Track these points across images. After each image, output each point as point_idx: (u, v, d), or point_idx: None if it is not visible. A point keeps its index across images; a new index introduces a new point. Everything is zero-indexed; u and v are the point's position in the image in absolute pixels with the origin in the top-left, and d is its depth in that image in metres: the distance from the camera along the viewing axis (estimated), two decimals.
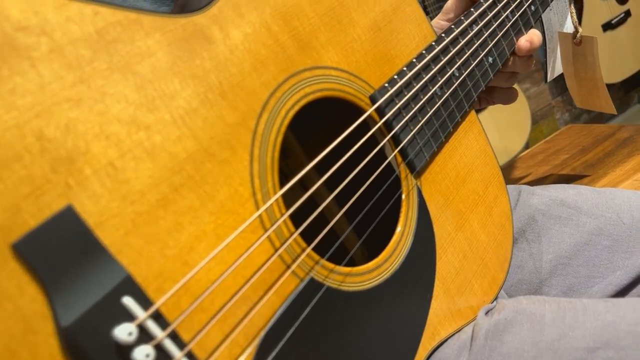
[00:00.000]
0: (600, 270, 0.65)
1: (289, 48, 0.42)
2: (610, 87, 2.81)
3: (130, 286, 0.30)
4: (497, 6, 0.62)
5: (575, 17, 0.94)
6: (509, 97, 0.69)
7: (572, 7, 0.95)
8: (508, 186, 0.79)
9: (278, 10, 0.42)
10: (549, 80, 1.02)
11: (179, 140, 0.34)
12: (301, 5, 0.43)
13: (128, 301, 0.29)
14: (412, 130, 0.49)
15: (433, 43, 0.53)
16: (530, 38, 0.64)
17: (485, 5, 0.61)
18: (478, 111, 2.56)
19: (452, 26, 0.56)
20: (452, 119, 0.53)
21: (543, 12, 0.71)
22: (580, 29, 0.94)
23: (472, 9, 0.59)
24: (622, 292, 0.64)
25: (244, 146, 0.37)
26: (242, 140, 0.37)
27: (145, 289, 0.30)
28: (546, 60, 0.99)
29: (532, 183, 1.14)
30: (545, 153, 1.26)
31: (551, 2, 0.73)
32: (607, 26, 2.49)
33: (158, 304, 0.30)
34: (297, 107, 0.41)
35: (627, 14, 2.54)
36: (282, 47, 0.41)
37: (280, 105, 0.40)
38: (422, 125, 0.50)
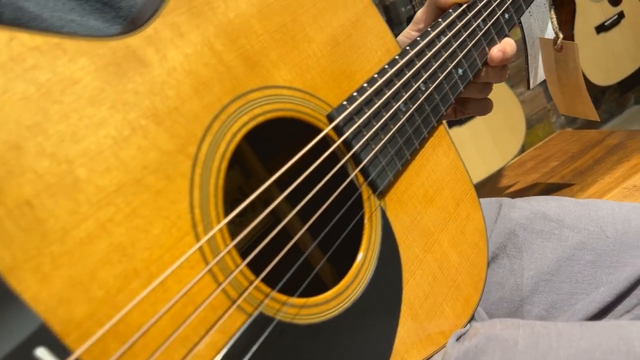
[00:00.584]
0: (583, 286, 0.63)
1: (235, 68, 0.40)
2: (606, 89, 2.80)
3: (46, 335, 0.27)
4: (467, 15, 0.60)
5: (555, 22, 0.93)
6: (483, 108, 0.67)
7: (553, 12, 0.93)
8: (489, 199, 0.77)
9: (223, 28, 0.40)
10: (531, 87, 1.00)
11: (107, 171, 0.32)
12: (249, 22, 0.41)
13: (42, 353, 0.27)
14: (373, 149, 0.47)
15: (397, 57, 0.51)
16: (503, 48, 0.61)
17: (454, 14, 0.59)
18: (464, 121, 2.55)
19: (418, 38, 0.54)
20: (418, 135, 0.51)
21: (518, 19, 0.69)
22: (560, 35, 0.92)
23: (439, 20, 0.57)
24: (606, 310, 0.61)
25: (183, 175, 0.35)
26: (181, 168, 0.35)
27: (64, 337, 0.28)
28: (528, 67, 0.97)
29: (519, 192, 1.11)
30: (535, 160, 1.24)
31: (526, 9, 0.71)
32: (601, 28, 2.47)
33: (77, 353, 0.28)
34: (245, 130, 0.39)
35: (621, 15, 2.53)
36: (228, 67, 0.39)
37: (226, 128, 0.38)
38: (384, 143, 0.48)
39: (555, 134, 1.32)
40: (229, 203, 0.53)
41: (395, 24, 2.34)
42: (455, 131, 2.23)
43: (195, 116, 0.36)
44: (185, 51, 0.37)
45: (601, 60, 2.47)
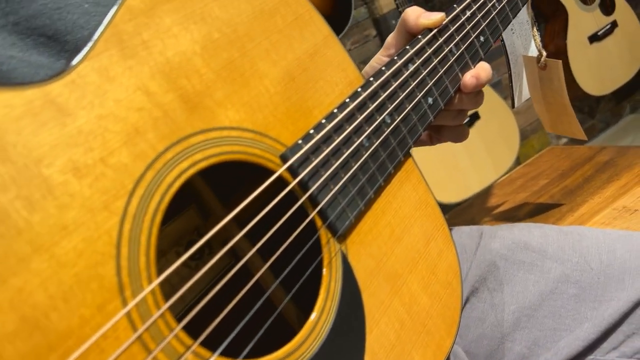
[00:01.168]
0: (567, 322, 0.59)
1: (173, 111, 0.37)
2: (601, 98, 2.77)
3: None
4: (437, 40, 0.58)
5: (538, 40, 0.90)
6: (459, 135, 0.64)
7: (535, 30, 0.90)
8: (469, 227, 0.74)
9: (160, 69, 0.37)
10: (516, 105, 0.97)
11: (18, 235, 0.29)
12: (191, 61, 0.39)
13: None
14: (332, 190, 0.44)
15: (359, 89, 0.48)
16: (476, 73, 0.59)
17: (424, 40, 0.56)
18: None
19: (383, 68, 0.52)
20: (383, 171, 0.48)
21: (494, 41, 0.66)
22: (544, 53, 0.89)
23: (407, 47, 0.55)
24: (591, 347, 0.58)
25: (108, 233, 0.32)
26: (106, 226, 0.32)
27: None
28: (512, 85, 0.94)
29: (508, 212, 1.08)
30: (525, 178, 1.21)
31: (504, 29, 0.68)
32: (594, 38, 2.45)
33: None
34: (184, 178, 0.36)
35: (614, 24, 2.51)
36: (164, 110, 0.36)
37: (161, 178, 0.35)
38: (345, 182, 0.45)
39: (546, 150, 1.29)
40: (184, 246, 0.50)
41: (386, 37, 2.32)
42: (449, 144, 2.20)
43: (124, 167, 0.33)
44: (115, 96, 0.34)
45: (595, 70, 2.45)
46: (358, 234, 0.46)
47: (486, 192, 1.23)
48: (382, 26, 2.30)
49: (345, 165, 0.45)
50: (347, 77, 0.49)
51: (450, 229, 0.75)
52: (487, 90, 2.28)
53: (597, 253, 0.62)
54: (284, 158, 0.42)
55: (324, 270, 0.42)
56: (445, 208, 2.48)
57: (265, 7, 0.44)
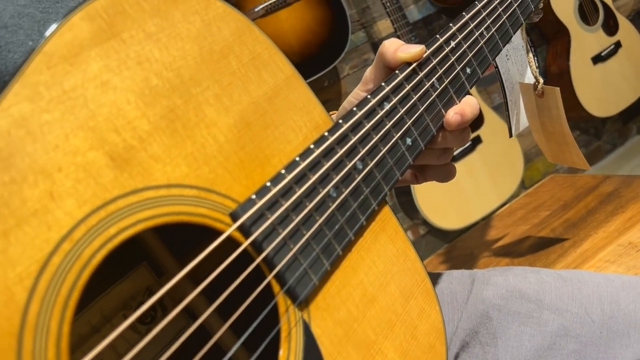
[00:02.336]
0: None
1: (98, 170, 0.32)
2: (607, 119, 2.71)
3: None
4: (417, 75, 0.53)
5: (534, 66, 0.85)
6: (445, 175, 0.59)
7: (531, 56, 0.86)
8: (461, 272, 0.68)
9: (83, 123, 0.32)
10: (513, 135, 0.92)
11: None
12: (122, 112, 0.34)
13: None
14: (291, 250, 0.39)
15: (326, 133, 0.44)
16: (461, 110, 0.54)
17: (402, 76, 0.52)
18: (458, 157, 2.48)
19: (354, 108, 0.47)
20: (353, 224, 0.43)
21: (483, 73, 0.62)
22: (541, 80, 0.84)
23: (382, 84, 0.50)
24: None
25: (9, 320, 0.27)
26: (6, 312, 0.27)
27: None
28: (508, 114, 0.90)
29: (508, 246, 1.03)
30: (525, 209, 1.15)
31: (493, 59, 0.63)
32: (598, 59, 2.40)
33: None
34: (109, 247, 0.31)
35: (618, 45, 2.46)
36: (87, 170, 0.32)
37: (79, 249, 0.30)
38: (307, 240, 0.40)
39: (547, 179, 1.23)
40: (133, 308, 0.45)
41: None
42: None
43: (30, 242, 0.29)
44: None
45: (599, 91, 2.40)
46: (324, 298, 0.41)
47: (486, 224, 1.17)
48: None
49: (307, 221, 0.40)
50: (313, 121, 0.45)
51: (440, 274, 0.69)
52: (489, 113, 2.23)
53: (599, 303, 0.57)
54: (234, 217, 0.37)
55: (281, 351, 0.37)
56: (446, 234, 2.42)
57: (216, 47, 0.40)
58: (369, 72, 0.57)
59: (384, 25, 2.23)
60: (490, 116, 2.21)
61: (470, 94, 0.58)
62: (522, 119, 0.92)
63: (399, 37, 2.00)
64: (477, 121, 2.21)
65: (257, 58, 0.42)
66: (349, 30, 2.01)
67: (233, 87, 0.40)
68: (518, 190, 2.58)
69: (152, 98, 0.35)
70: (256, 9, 1.87)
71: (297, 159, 0.41)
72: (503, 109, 0.92)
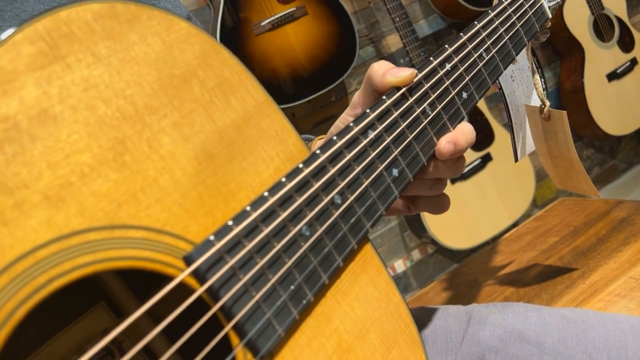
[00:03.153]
0: None
1: (30, 211, 0.29)
2: (622, 137, 2.65)
3: None
4: (407, 100, 0.49)
5: (541, 89, 0.81)
6: (438, 207, 0.55)
7: (537, 78, 0.81)
8: (456, 308, 0.64)
9: (16, 160, 0.29)
10: (519, 159, 0.87)
11: None
12: (61, 144, 0.31)
13: None
14: (253, 297, 0.35)
15: (300, 165, 0.40)
16: (454, 138, 0.50)
17: (389, 101, 0.48)
18: (467, 175, 2.41)
19: (334, 137, 0.43)
20: (328, 265, 0.39)
21: (480, 97, 0.58)
22: (547, 103, 0.80)
23: (367, 110, 0.46)
24: None
25: None
26: None
27: None
28: (513, 137, 0.85)
29: (513, 274, 0.98)
30: (533, 234, 1.10)
31: (492, 83, 0.59)
32: (613, 76, 2.35)
33: None
34: (33, 302, 0.28)
35: (634, 62, 2.41)
36: (19, 210, 0.28)
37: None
38: (273, 285, 0.36)
39: (557, 202, 1.18)
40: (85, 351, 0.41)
41: None
42: (459, 186, 2.11)
43: None
44: None
45: (614, 109, 2.34)
46: (291, 351, 0.37)
47: (492, 249, 1.13)
48: None
49: (274, 264, 0.36)
50: (287, 151, 0.41)
51: (435, 309, 0.65)
52: (500, 130, 2.18)
53: (605, 348, 0.52)
54: (187, 260, 0.33)
55: None
56: (455, 254, 2.36)
57: (177, 71, 0.36)
58: (357, 96, 0.53)
59: (393, 40, 2.20)
60: (501, 133, 2.16)
61: (467, 121, 0.54)
62: (528, 143, 0.88)
63: (407, 52, 1.97)
64: (488, 138, 2.17)
65: (224, 83, 0.39)
66: (357, 45, 1.98)
67: (195, 115, 0.36)
68: (530, 209, 2.52)
69: (99, 128, 0.32)
70: (262, 23, 1.85)
71: (266, 194, 0.37)
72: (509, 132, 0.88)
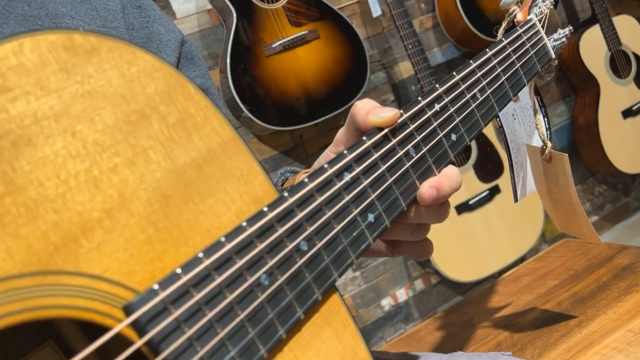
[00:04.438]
0: None
1: None
2: (636, 176, 2.59)
3: None
4: (389, 142, 0.47)
5: (543, 129, 0.79)
6: (420, 252, 0.52)
7: (539, 117, 0.79)
8: (440, 356, 0.61)
9: None
10: (519, 199, 0.85)
11: None
12: None
13: None
14: (198, 353, 0.32)
15: (265, 208, 0.38)
16: (437, 183, 0.48)
17: (369, 143, 0.46)
18: (475, 206, 2.38)
19: (306, 179, 0.41)
20: (286, 318, 0.37)
21: (471, 139, 0.55)
22: (549, 144, 0.77)
23: (345, 151, 0.44)
24: None
25: None
26: None
27: None
28: (514, 177, 0.83)
29: (509, 317, 0.94)
30: (533, 275, 1.07)
31: (485, 125, 0.57)
32: (628, 113, 2.31)
33: None
34: None
35: None
36: None
37: None
38: (221, 340, 0.34)
39: (559, 243, 1.15)
40: None
41: (404, 103, 2.23)
42: (465, 217, 2.07)
43: None
44: None
45: (629, 146, 2.30)
46: None
47: (490, 288, 1.09)
48: (400, 92, 2.22)
49: (225, 316, 0.34)
50: (252, 193, 0.39)
51: (417, 356, 0.62)
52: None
53: None
54: (127, 310, 0.31)
55: None
56: (459, 286, 2.32)
57: (135, 106, 0.35)
58: (340, 133, 0.51)
59: (405, 66, 2.19)
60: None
61: (454, 163, 0.52)
62: (529, 183, 0.85)
63: (419, 80, 1.95)
64: (497, 170, 2.13)
65: (188, 120, 0.37)
66: (368, 69, 1.97)
67: (151, 153, 0.35)
68: (538, 244, 2.47)
69: (41, 165, 0.30)
70: (273, 45, 1.85)
71: (223, 239, 0.35)
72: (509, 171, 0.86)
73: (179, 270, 0.33)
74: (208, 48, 1.97)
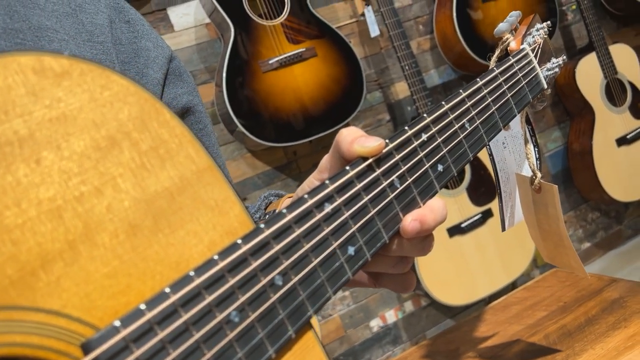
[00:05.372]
0: None
1: None
2: (629, 204, 2.59)
3: None
4: (373, 172, 0.46)
5: (533, 159, 0.78)
6: (403, 286, 0.51)
7: (530, 147, 0.78)
8: None
9: None
10: (506, 228, 0.83)
11: None
12: None
13: None
14: None
15: (239, 241, 0.36)
16: (420, 216, 0.46)
17: (352, 173, 0.44)
18: (467, 230, 2.37)
19: (284, 210, 0.40)
20: (256, 357, 0.35)
21: (458, 170, 0.54)
22: (538, 175, 0.76)
23: (327, 181, 0.43)
24: None
25: None
26: None
27: None
28: (502, 205, 0.81)
29: (496, 348, 0.93)
30: (521, 305, 1.05)
31: (473, 156, 0.56)
32: (622, 141, 2.31)
33: None
34: None
35: None
36: None
37: None
38: None
39: (549, 273, 1.14)
40: None
41: (400, 123, 2.23)
42: (457, 240, 2.06)
43: None
44: None
45: (622, 174, 2.30)
46: None
47: (477, 317, 1.07)
48: (396, 112, 2.22)
49: (191, 355, 0.33)
50: (227, 224, 0.38)
51: None
52: None
53: None
54: (86, 348, 0.30)
55: None
56: (449, 309, 2.30)
57: (105, 132, 0.33)
58: (324, 160, 0.50)
59: (402, 87, 2.19)
60: None
61: (439, 198, 0.51)
62: (517, 212, 0.84)
63: (414, 101, 1.95)
64: (489, 194, 2.13)
65: (161, 146, 0.36)
66: (364, 89, 1.96)
67: (121, 182, 0.33)
68: (529, 269, 2.45)
69: (1, 193, 0.29)
70: (270, 61, 1.84)
71: (192, 273, 0.34)
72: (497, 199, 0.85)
73: (143, 306, 0.31)
74: (205, 61, 1.97)
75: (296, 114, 1.88)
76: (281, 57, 1.85)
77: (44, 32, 0.53)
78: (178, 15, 1.94)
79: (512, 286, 2.28)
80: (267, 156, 2.04)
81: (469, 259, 2.08)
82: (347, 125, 2.10)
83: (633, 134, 2.31)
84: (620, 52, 2.29)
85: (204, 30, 1.98)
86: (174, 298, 0.33)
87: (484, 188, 2.12)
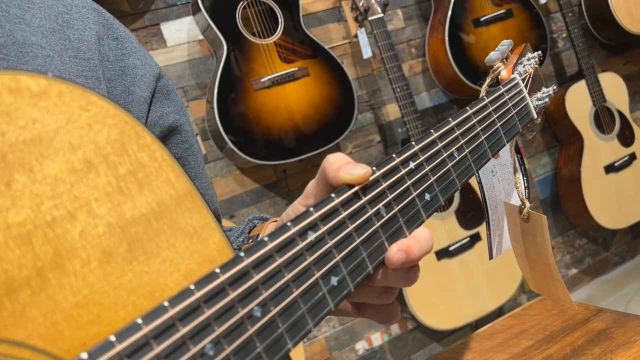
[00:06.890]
0: None
1: None
2: (617, 232, 2.60)
3: None
4: (359, 200, 0.45)
5: (522, 188, 0.77)
6: (387, 316, 0.50)
7: (519, 176, 0.78)
8: None
9: None
10: (494, 257, 0.83)
11: None
12: None
13: None
14: None
15: (217, 270, 0.35)
16: (406, 247, 0.45)
17: (337, 201, 0.43)
18: (454, 253, 2.38)
19: (266, 238, 0.39)
20: None
21: (446, 199, 0.54)
22: (527, 204, 0.76)
23: (311, 209, 0.42)
24: None
25: None
26: None
27: None
28: (490, 234, 0.81)
29: None
30: (507, 333, 1.04)
31: (461, 185, 0.55)
32: (610, 168, 2.33)
33: None
34: None
35: (632, 156, 2.39)
36: None
37: None
38: None
39: (536, 301, 1.13)
40: None
41: (390, 145, 2.23)
42: (445, 264, 2.05)
43: None
44: None
45: (610, 201, 2.31)
46: None
47: (464, 344, 1.06)
48: (386, 133, 2.22)
49: None
50: (205, 252, 0.36)
51: None
52: None
53: None
54: None
55: None
56: (435, 332, 2.28)
57: (81, 155, 0.32)
58: (310, 185, 0.49)
59: (393, 109, 2.20)
60: None
61: (425, 228, 0.50)
62: (505, 241, 0.83)
63: (405, 123, 1.95)
64: (478, 217, 2.12)
65: (140, 170, 0.34)
66: (355, 109, 1.96)
67: (95, 206, 0.32)
68: (517, 294, 2.45)
69: None
70: (262, 79, 1.84)
71: (166, 303, 0.32)
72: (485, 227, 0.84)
73: (112, 338, 0.30)
74: (197, 78, 1.96)
75: (287, 132, 1.87)
76: (273, 75, 1.85)
77: (29, 48, 0.52)
78: (171, 30, 1.94)
79: (499, 311, 2.27)
80: (256, 174, 2.02)
81: (457, 283, 2.07)
82: (337, 145, 2.10)
83: (621, 161, 2.33)
84: (609, 81, 2.31)
85: (197, 47, 1.98)
86: (146, 330, 0.31)
87: (473, 212, 2.12)
